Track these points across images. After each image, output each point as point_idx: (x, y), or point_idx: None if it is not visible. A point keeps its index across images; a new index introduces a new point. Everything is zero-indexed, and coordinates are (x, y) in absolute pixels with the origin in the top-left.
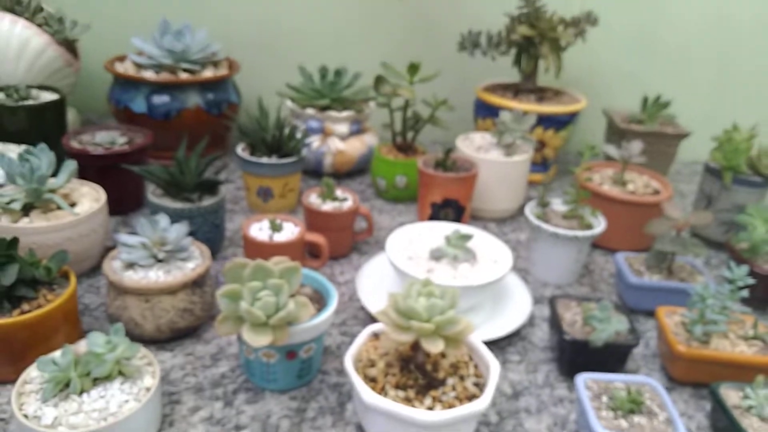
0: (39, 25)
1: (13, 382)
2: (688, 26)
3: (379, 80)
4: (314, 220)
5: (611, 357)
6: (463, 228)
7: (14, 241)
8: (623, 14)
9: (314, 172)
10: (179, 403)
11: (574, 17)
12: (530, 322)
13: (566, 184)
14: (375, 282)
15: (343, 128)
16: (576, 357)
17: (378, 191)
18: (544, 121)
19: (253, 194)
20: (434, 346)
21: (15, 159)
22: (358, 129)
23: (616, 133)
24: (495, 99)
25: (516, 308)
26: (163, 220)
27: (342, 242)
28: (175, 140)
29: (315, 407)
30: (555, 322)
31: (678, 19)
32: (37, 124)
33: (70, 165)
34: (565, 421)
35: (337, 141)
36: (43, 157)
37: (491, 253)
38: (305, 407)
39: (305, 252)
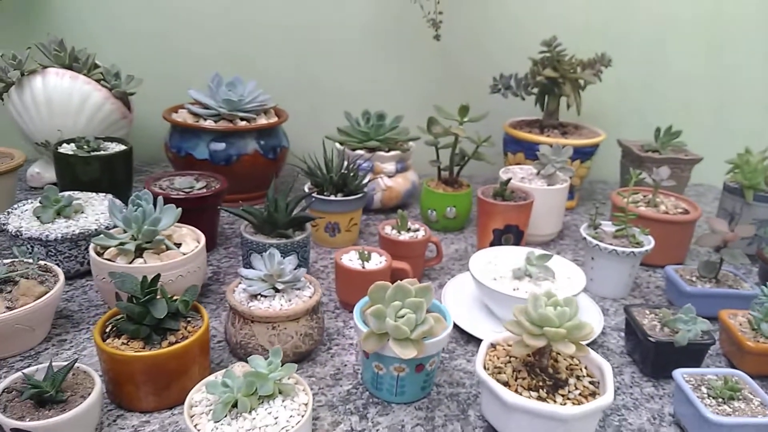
0: (97, 81)
1: (158, 410)
2: (685, 64)
3: (431, 121)
4: (391, 249)
5: (691, 356)
6: (537, 251)
7: (156, 278)
8: (626, 55)
9: (364, 207)
10: (319, 419)
11: (590, 59)
12: (602, 332)
13: (591, 208)
14: (459, 301)
15: (390, 167)
16: (660, 358)
17: (428, 222)
18: (572, 152)
19: (321, 229)
20: (567, 349)
21: (127, 205)
22: (402, 167)
23: (634, 161)
24: (524, 134)
25: (591, 319)
26: (277, 255)
27: (415, 269)
28: (236, 183)
29: (441, 415)
30: (635, 327)
31: (678, 66)
32: (108, 173)
33: (174, 209)
34: (662, 414)
35: (386, 178)
36: (149, 203)
37: (564, 271)
38: (432, 416)
39: (391, 279)
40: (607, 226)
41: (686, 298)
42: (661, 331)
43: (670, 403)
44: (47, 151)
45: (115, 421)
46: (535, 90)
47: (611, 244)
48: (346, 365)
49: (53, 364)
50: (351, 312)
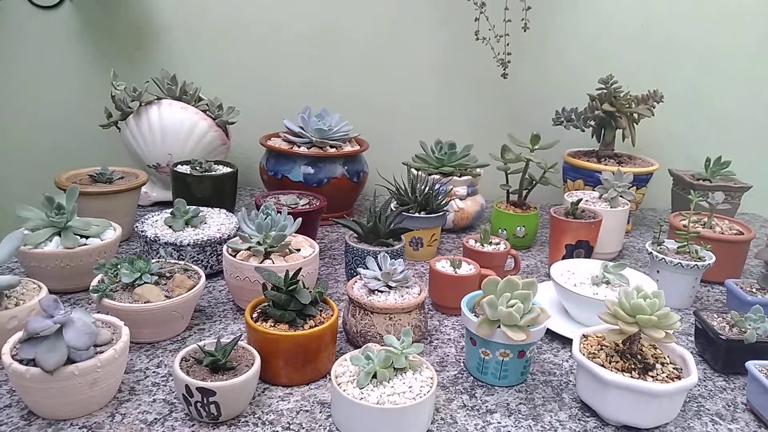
0: (203, 111)
1: (298, 385)
2: (731, 99)
3: (504, 148)
4: (476, 259)
5: (759, 353)
6: (611, 262)
7: (298, 272)
8: (674, 88)
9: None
10: (436, 396)
11: (644, 95)
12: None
13: (646, 232)
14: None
15: (462, 190)
16: (730, 355)
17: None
18: None
19: (406, 244)
20: (657, 334)
21: (258, 215)
22: (473, 190)
23: (686, 189)
24: (584, 163)
25: None
26: (388, 258)
27: None
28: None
29: (539, 396)
30: (706, 328)
31: (723, 92)
32: (218, 190)
33: (293, 220)
34: (736, 403)
35: (458, 201)
36: (274, 213)
37: (636, 279)
38: (532, 397)
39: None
40: (670, 244)
41: (747, 307)
42: (731, 332)
43: (743, 394)
44: (157, 173)
45: (263, 392)
46: (593, 123)
47: (676, 259)
48: (448, 355)
49: (221, 340)
50: (444, 313)
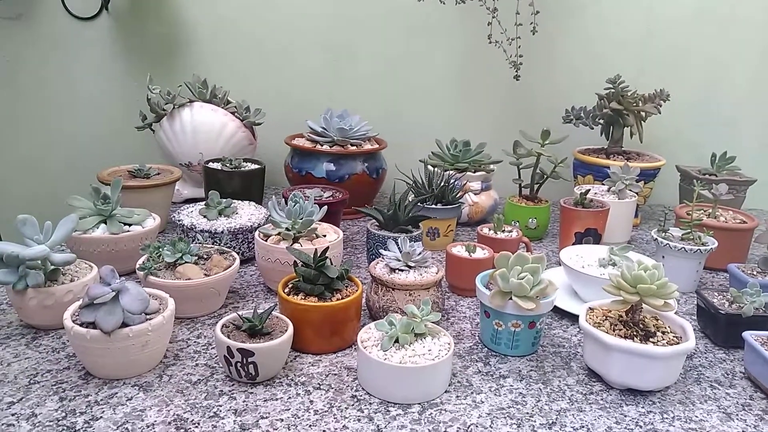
0: (232, 113)
1: (326, 353)
2: (736, 98)
3: (516, 144)
4: (490, 245)
5: (757, 326)
6: (617, 246)
7: (326, 250)
8: (682, 87)
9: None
10: (452, 363)
11: (650, 94)
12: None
13: (654, 225)
14: None
15: (476, 185)
16: (730, 328)
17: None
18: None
19: (423, 234)
20: (657, 302)
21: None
22: (486, 186)
23: (692, 184)
24: (593, 159)
25: None
26: (408, 240)
27: None
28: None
29: (549, 365)
30: (707, 305)
31: (728, 91)
32: (246, 185)
33: (320, 208)
34: (734, 372)
35: (473, 195)
36: (303, 201)
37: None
38: (542, 365)
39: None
40: (675, 231)
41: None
42: (730, 307)
43: (741, 364)
44: (189, 171)
45: (295, 359)
46: (602, 121)
47: (680, 244)
48: (464, 330)
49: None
50: (460, 294)
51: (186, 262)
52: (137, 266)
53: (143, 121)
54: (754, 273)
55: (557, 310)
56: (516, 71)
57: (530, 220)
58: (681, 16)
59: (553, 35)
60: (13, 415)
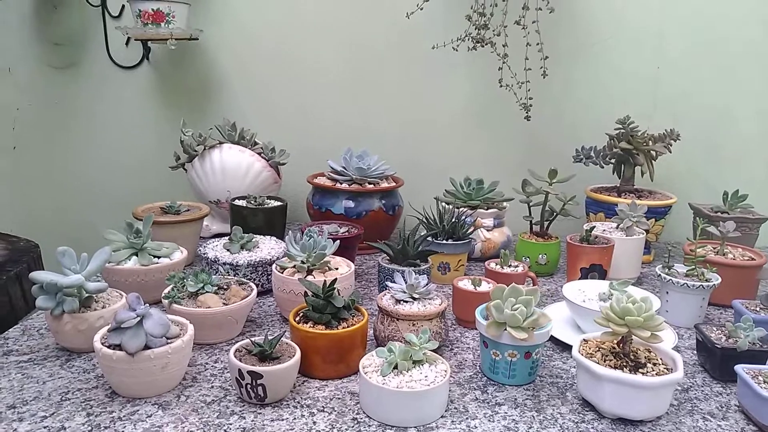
0: (258, 154)
1: (332, 379)
2: (748, 135)
3: (525, 182)
4: (496, 279)
5: (752, 360)
6: (618, 281)
7: (334, 281)
8: (691, 125)
9: (468, 255)
10: (450, 391)
11: (660, 134)
12: (677, 349)
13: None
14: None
15: (488, 222)
16: (725, 362)
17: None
18: (647, 212)
19: (435, 268)
20: (644, 333)
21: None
22: (499, 222)
23: (705, 221)
24: (604, 197)
25: (667, 336)
26: (414, 273)
27: None
28: (363, 233)
29: (545, 394)
30: (704, 339)
31: (740, 128)
32: (269, 221)
33: (333, 243)
34: (728, 405)
35: (485, 231)
36: (317, 236)
37: (640, 296)
38: (538, 394)
39: None
40: (680, 268)
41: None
42: (726, 342)
43: (736, 397)
44: (217, 208)
45: (302, 384)
46: (613, 160)
47: (683, 280)
48: (466, 360)
49: (268, 336)
50: (465, 327)
51: (207, 292)
52: (162, 295)
53: (177, 161)
54: (758, 309)
55: (558, 342)
56: (526, 113)
57: (540, 256)
58: (690, 54)
59: (563, 77)
60: (45, 428)
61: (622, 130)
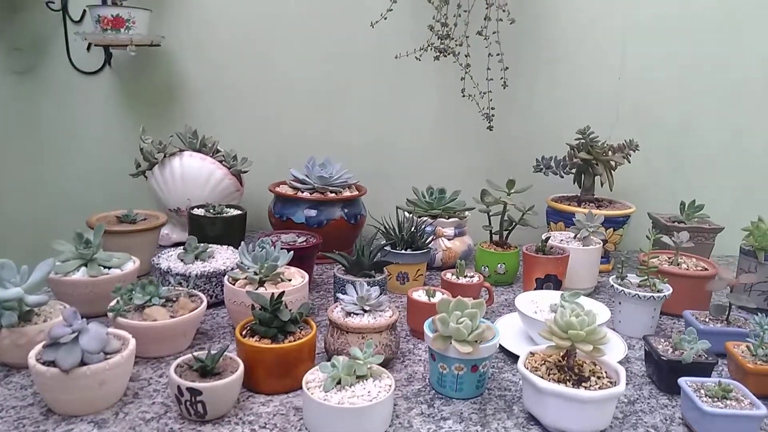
0: (220, 161)
1: (278, 393)
2: (709, 146)
3: (483, 192)
4: (451, 290)
5: (697, 373)
6: (569, 292)
7: (281, 294)
8: (653, 138)
9: (428, 265)
10: (397, 405)
11: (620, 144)
12: (627, 360)
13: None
14: (507, 333)
15: (449, 231)
16: (671, 374)
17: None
18: (606, 222)
19: (393, 278)
20: (586, 347)
21: (252, 249)
22: (460, 232)
23: (662, 231)
24: (564, 206)
25: (617, 348)
26: (365, 285)
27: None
28: (325, 243)
29: (491, 408)
30: (651, 351)
31: (701, 139)
32: (228, 230)
33: (287, 253)
34: (673, 418)
35: (446, 241)
36: (269, 246)
37: (592, 308)
38: (485, 408)
39: None
40: (633, 278)
41: (700, 335)
42: (673, 354)
43: (680, 410)
44: (177, 216)
45: (247, 398)
46: (573, 170)
47: (634, 290)
48: (416, 373)
49: (211, 350)
50: (419, 338)
51: (154, 305)
52: (108, 308)
53: (137, 168)
54: (707, 320)
55: (510, 354)
56: (489, 122)
57: (499, 265)
58: (651, 67)
59: (524, 87)
60: None
61: (582, 141)
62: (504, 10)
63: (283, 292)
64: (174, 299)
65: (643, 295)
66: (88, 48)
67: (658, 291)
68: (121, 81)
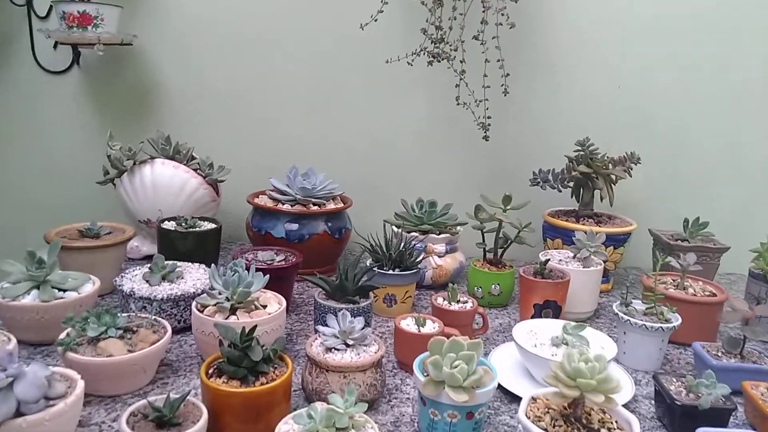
0: (194, 170)
1: None
2: (709, 154)
3: (477, 208)
4: (442, 317)
5: (715, 419)
6: (572, 322)
7: (253, 329)
8: (652, 149)
9: (417, 283)
10: None
11: (620, 157)
12: (634, 399)
13: (623, 289)
14: (504, 367)
15: (440, 248)
16: (686, 421)
17: (474, 298)
18: (606, 240)
19: (380, 300)
20: (597, 398)
21: (225, 271)
22: (452, 248)
23: (664, 249)
24: (562, 222)
25: (623, 386)
26: (348, 315)
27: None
28: (307, 259)
29: None
30: (663, 393)
31: (700, 149)
32: (202, 246)
33: (262, 276)
34: None
35: (436, 258)
36: (243, 270)
37: (597, 341)
38: None
39: None
40: (638, 305)
41: (714, 371)
42: (687, 397)
43: None
44: (148, 228)
45: None
46: (571, 184)
47: (641, 320)
48: (404, 415)
49: (170, 395)
50: (408, 372)
51: (110, 337)
52: (57, 341)
53: (105, 176)
54: (719, 354)
55: (507, 393)
56: (485, 132)
57: (493, 286)
58: (652, 75)
59: (521, 96)
60: None
61: (582, 153)
62: (503, 14)
63: (255, 326)
64: (134, 329)
65: (650, 326)
66: (55, 46)
67: (665, 320)
68: (90, 81)
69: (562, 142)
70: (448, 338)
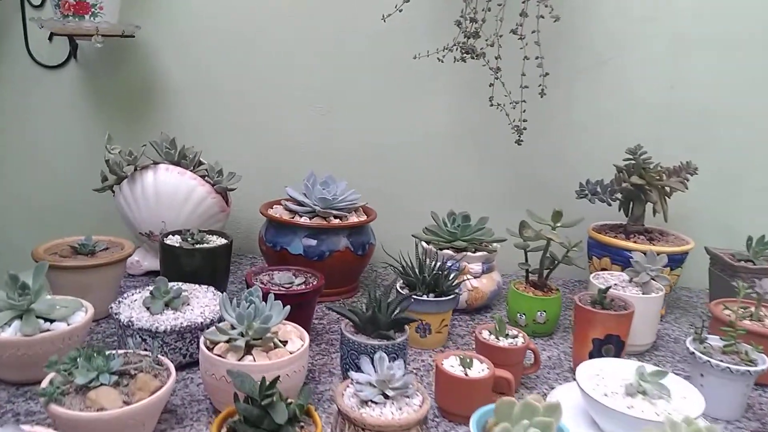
0: (202, 177)
1: None
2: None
3: (523, 225)
4: (489, 355)
5: None
6: (648, 366)
7: (275, 381)
8: (710, 156)
9: None
10: None
11: (675, 167)
12: None
13: (679, 313)
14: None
15: (477, 267)
16: None
17: (516, 326)
18: None
19: (411, 330)
20: None
21: (228, 298)
22: (488, 267)
23: (725, 271)
24: (611, 239)
25: None
26: (386, 359)
27: (514, 376)
28: (326, 278)
29: None
30: None
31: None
32: (210, 264)
33: (281, 307)
34: None
35: (472, 279)
36: (260, 300)
37: (678, 390)
38: None
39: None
40: (714, 340)
41: None
42: None
43: None
44: (149, 241)
45: None
46: (620, 196)
47: (722, 361)
48: None
49: None
50: (452, 421)
51: (102, 384)
52: (39, 390)
53: (103, 182)
54: None
55: None
56: (519, 136)
57: (539, 313)
58: (708, 76)
59: (563, 98)
60: None
61: (633, 162)
62: (546, 5)
63: (277, 379)
64: (131, 373)
65: (736, 369)
66: (50, 38)
67: (750, 361)
68: (88, 77)
69: (607, 149)
70: (501, 383)
